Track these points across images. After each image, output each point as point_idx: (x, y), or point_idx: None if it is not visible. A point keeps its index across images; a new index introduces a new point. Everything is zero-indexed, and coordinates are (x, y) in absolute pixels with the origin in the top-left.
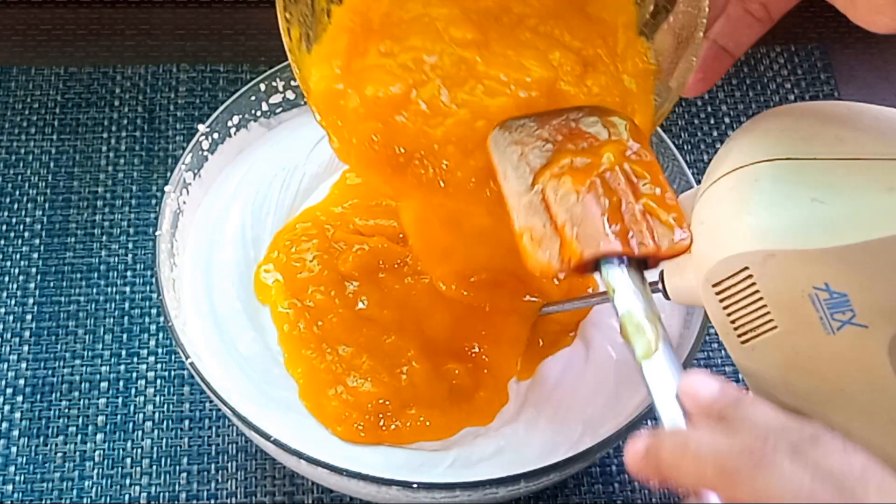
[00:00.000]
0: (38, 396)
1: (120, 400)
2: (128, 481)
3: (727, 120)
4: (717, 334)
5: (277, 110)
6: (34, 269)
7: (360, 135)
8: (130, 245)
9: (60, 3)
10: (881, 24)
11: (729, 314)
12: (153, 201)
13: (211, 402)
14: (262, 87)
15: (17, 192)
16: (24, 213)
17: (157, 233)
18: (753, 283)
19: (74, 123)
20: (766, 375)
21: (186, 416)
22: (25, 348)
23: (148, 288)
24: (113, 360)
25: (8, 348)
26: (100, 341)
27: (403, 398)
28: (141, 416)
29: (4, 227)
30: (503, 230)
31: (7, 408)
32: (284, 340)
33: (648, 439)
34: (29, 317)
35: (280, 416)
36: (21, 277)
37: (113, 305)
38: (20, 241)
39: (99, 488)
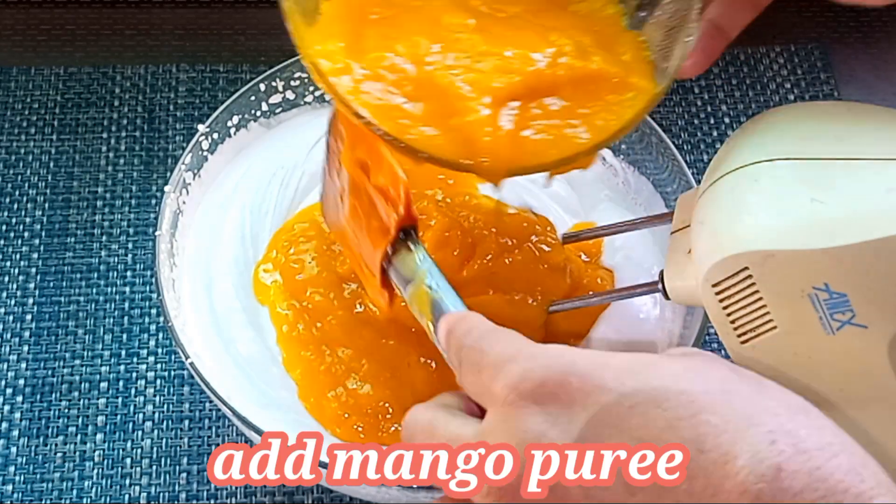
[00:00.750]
0: (38, 396)
1: (120, 400)
2: (127, 481)
3: (727, 120)
4: (716, 334)
5: (277, 110)
6: (34, 269)
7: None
8: (130, 245)
9: (60, 3)
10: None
11: (728, 314)
12: (153, 201)
13: (211, 402)
14: (262, 87)
15: (17, 192)
16: (23, 213)
17: (156, 233)
18: (753, 283)
19: (74, 123)
20: (765, 375)
21: (186, 416)
22: (25, 348)
23: (148, 288)
24: (113, 360)
25: (8, 348)
26: (99, 341)
27: (404, 401)
28: (141, 416)
29: (4, 228)
30: None
31: (7, 408)
32: (283, 341)
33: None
34: (29, 317)
35: (279, 416)
36: (21, 277)
37: (113, 305)
38: (20, 241)
39: (99, 488)
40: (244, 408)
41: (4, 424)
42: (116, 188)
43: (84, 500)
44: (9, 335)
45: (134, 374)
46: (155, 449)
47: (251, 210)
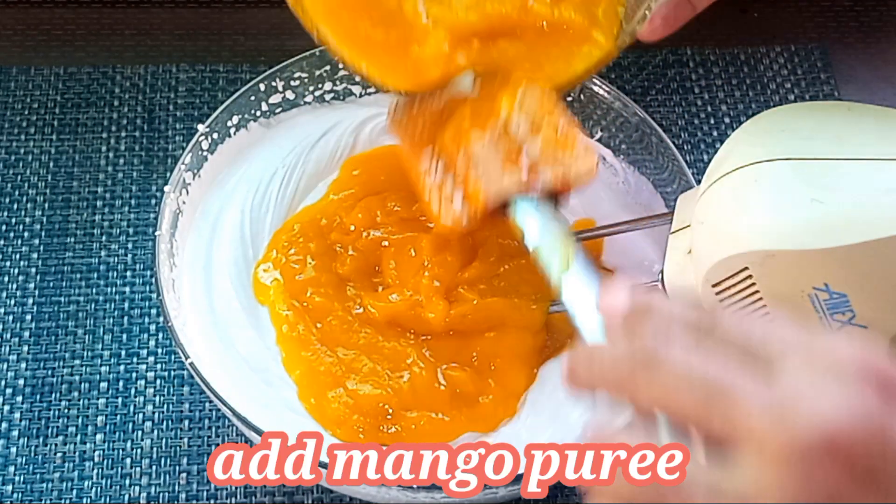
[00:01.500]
0: (38, 397)
1: (119, 400)
2: (127, 481)
3: (727, 120)
4: None
5: (277, 110)
6: (34, 270)
7: None
8: (130, 245)
9: (60, 2)
10: None
11: None
12: (153, 201)
13: (211, 402)
14: (262, 87)
15: (17, 192)
16: (23, 213)
17: (156, 233)
18: (753, 283)
19: (74, 123)
20: None
21: (186, 416)
22: (25, 348)
23: (147, 288)
24: (112, 360)
25: (7, 348)
26: (99, 341)
27: (404, 402)
28: (140, 416)
29: (4, 228)
30: None
31: (6, 408)
32: (283, 341)
33: (569, 358)
34: (28, 317)
35: (279, 416)
36: (20, 277)
37: (112, 305)
38: (20, 241)
39: (98, 488)
40: (244, 408)
41: (4, 424)
42: (116, 188)
43: (84, 501)
44: (8, 335)
45: (134, 375)
46: (155, 449)
47: (251, 210)
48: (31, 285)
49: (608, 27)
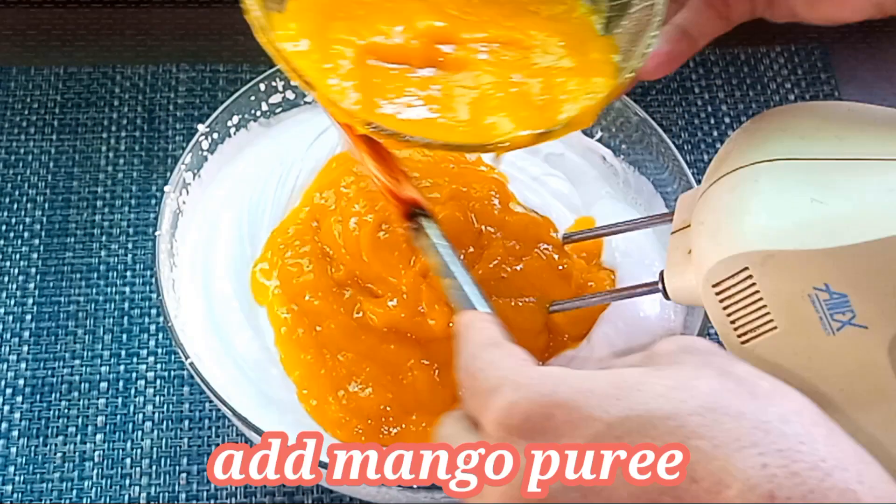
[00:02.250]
0: (38, 397)
1: (119, 400)
2: (127, 481)
3: (727, 120)
4: (717, 335)
5: (277, 110)
6: (34, 270)
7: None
8: (130, 245)
9: (60, 2)
10: (840, 18)
11: (729, 314)
12: (153, 201)
13: (211, 402)
14: (262, 86)
15: (17, 192)
16: (23, 213)
17: (156, 233)
18: (753, 284)
19: (74, 123)
20: None
21: (186, 416)
22: (25, 348)
23: (147, 288)
24: (112, 360)
25: (7, 348)
26: (99, 341)
27: (405, 405)
28: (140, 416)
29: (4, 228)
30: None
31: (6, 408)
32: (282, 342)
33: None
34: (28, 317)
35: (279, 417)
36: (20, 277)
37: (112, 305)
38: (20, 242)
39: (98, 489)
40: (244, 408)
41: (4, 424)
42: (116, 188)
43: (84, 501)
44: (8, 335)
45: (134, 375)
46: (155, 449)
47: (249, 208)
48: (31, 285)
49: (607, 71)
